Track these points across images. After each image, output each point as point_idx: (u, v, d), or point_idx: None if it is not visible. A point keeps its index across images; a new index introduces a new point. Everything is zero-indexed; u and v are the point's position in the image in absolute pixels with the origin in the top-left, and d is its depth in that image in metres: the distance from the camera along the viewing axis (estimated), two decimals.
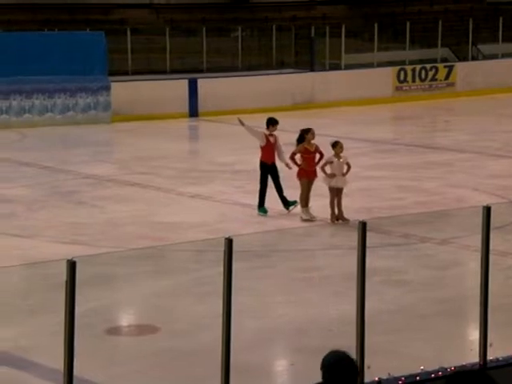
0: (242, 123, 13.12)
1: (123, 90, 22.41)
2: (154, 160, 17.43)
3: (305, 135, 12.63)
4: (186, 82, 23.04)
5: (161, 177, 15.87)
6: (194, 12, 27.51)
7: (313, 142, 12.60)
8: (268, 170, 12.90)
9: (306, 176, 12.42)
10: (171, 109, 22.45)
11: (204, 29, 24.96)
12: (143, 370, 7.52)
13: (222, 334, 4.78)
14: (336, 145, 12.35)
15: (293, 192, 12.65)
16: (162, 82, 23.14)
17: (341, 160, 12.30)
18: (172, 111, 22.47)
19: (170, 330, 8.34)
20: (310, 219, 12.33)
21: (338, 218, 12.09)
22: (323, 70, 25.32)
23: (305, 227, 12.12)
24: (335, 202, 12.15)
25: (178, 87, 22.85)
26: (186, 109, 22.95)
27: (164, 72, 24.27)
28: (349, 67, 25.22)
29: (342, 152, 12.30)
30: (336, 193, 12.18)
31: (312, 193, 12.44)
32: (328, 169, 12.32)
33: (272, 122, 13.10)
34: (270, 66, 25.71)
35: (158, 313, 8.89)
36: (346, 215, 12.10)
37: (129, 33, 24.39)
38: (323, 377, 3.70)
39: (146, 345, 8.03)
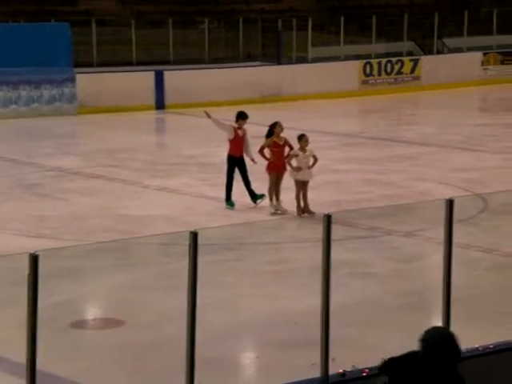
0: (208, 116, 13.09)
1: (89, 82, 22.23)
2: (120, 152, 17.33)
3: (273, 129, 12.66)
4: (153, 73, 22.92)
5: (127, 169, 15.78)
6: (160, 4, 27.37)
7: (282, 135, 12.63)
8: (235, 163, 12.89)
9: (275, 169, 12.44)
10: (137, 101, 22.32)
11: (170, 20, 24.84)
12: (108, 363, 7.49)
13: (186, 326, 4.78)
14: (301, 138, 12.38)
15: (262, 185, 12.66)
16: (128, 73, 23.00)
17: (306, 153, 12.33)
18: (138, 103, 22.34)
19: (135, 323, 8.31)
20: (277, 212, 12.36)
21: (303, 210, 12.13)
22: (290, 62, 25.35)
23: (272, 220, 12.15)
24: (301, 195, 12.20)
25: (144, 79, 22.73)
26: (152, 101, 22.83)
27: (130, 64, 24.13)
28: (316, 60, 25.28)
29: (307, 145, 12.34)
30: (302, 186, 12.22)
31: (281, 186, 12.47)
32: (294, 162, 12.35)
33: (242, 116, 13.09)
34: (237, 58, 25.68)
35: (124, 306, 8.86)
36: (312, 208, 12.14)
37: (94, 24, 24.19)
38: (421, 349, 3.63)
39: (111, 338, 8.00)
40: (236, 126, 13.04)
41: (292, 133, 12.89)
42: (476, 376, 5.49)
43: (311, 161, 12.35)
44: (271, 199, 12.44)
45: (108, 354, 7.68)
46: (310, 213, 12.08)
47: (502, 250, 10.53)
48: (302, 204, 12.16)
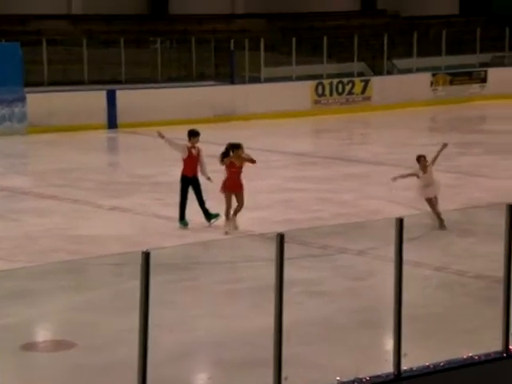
0: (161, 136, 13.05)
1: (39, 102, 22.02)
2: (72, 172, 17.17)
3: (234, 150, 12.56)
4: (105, 93, 22.80)
5: (79, 189, 15.63)
6: (112, 23, 27.30)
7: (244, 155, 12.56)
8: (189, 182, 12.87)
9: (229, 189, 12.44)
10: (89, 120, 22.18)
11: (122, 40, 24.78)
12: None
13: (138, 347, 4.75)
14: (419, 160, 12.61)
15: (217, 205, 12.65)
16: (80, 92, 22.85)
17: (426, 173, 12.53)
18: (90, 122, 22.20)
19: (87, 345, 8.21)
20: (230, 231, 12.35)
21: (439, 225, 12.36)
22: (243, 82, 25.47)
23: (226, 240, 12.14)
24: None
25: (96, 98, 22.60)
26: (104, 120, 22.70)
27: (82, 83, 23.98)
28: (268, 80, 25.45)
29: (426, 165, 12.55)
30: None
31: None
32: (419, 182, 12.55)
33: (193, 134, 13.08)
34: (190, 78, 25.70)
35: (76, 328, 8.74)
36: (265, 227, 12.20)
37: (45, 43, 24.00)
38: None
39: (63, 360, 7.89)
40: (189, 144, 13.03)
41: (248, 152, 12.90)
42: None
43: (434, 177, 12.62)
44: (227, 219, 12.43)
45: (59, 377, 7.56)
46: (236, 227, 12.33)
47: (452, 267, 10.68)
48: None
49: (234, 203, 12.50)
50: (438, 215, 12.55)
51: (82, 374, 7.51)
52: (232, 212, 12.44)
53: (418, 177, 12.76)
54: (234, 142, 12.87)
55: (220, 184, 12.57)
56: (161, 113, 22.72)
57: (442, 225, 12.53)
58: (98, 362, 7.74)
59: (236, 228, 12.41)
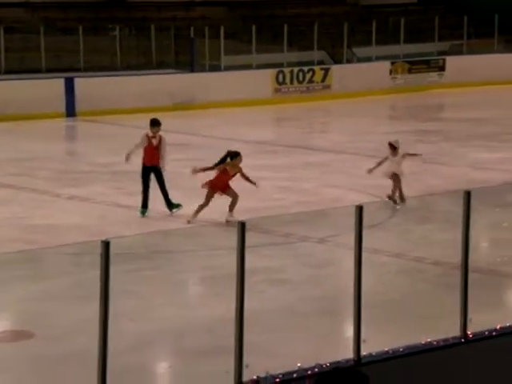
0: (196, 172, 12.43)
1: None
2: (30, 161, 16.96)
3: (232, 158, 12.31)
4: (63, 80, 22.54)
5: (37, 178, 15.46)
6: (69, 10, 26.95)
7: (241, 165, 12.36)
8: (149, 171, 12.78)
9: (212, 187, 12.21)
10: (47, 108, 21.91)
11: (81, 27, 24.49)
12: (18, 376, 7.30)
13: (98, 337, 4.71)
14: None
15: (180, 195, 12.55)
16: (37, 81, 22.55)
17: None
18: (48, 111, 21.92)
19: (45, 335, 8.14)
20: (192, 222, 12.20)
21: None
22: (203, 70, 25.36)
23: (188, 228, 12.10)
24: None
25: (54, 86, 22.33)
26: (62, 108, 22.45)
27: (39, 71, 23.66)
28: (229, 68, 25.38)
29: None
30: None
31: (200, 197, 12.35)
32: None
33: (152, 123, 12.98)
34: (149, 65, 25.52)
35: (34, 318, 8.66)
36: (225, 216, 12.20)
37: (2, 31, 23.63)
38: None
39: (21, 351, 7.81)
40: (150, 133, 12.93)
41: (209, 140, 12.88)
42: (386, 379, 5.60)
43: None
44: (197, 212, 12.13)
45: (18, 367, 7.49)
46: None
47: (411, 254, 10.79)
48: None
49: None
50: (400, 192, 13.17)
51: (41, 364, 7.44)
52: (228, 208, 12.16)
53: (387, 158, 13.45)
54: (233, 149, 12.61)
55: (202, 179, 12.25)
56: (120, 101, 22.54)
57: (402, 199, 13.26)
58: (57, 351, 7.67)
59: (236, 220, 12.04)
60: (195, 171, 12.51)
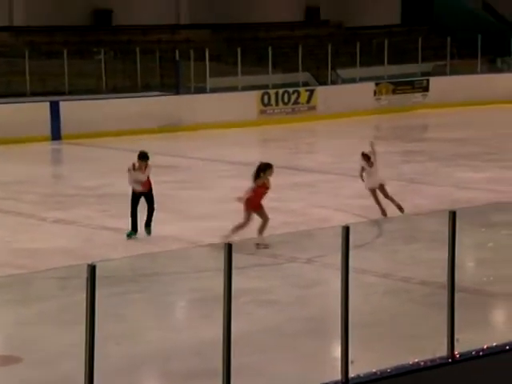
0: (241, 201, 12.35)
1: None
2: (15, 185, 16.90)
3: (267, 169, 12.29)
4: (48, 104, 22.53)
5: (22, 202, 15.40)
6: (55, 34, 26.99)
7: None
8: (138, 197, 12.78)
9: (253, 207, 12.16)
10: (33, 132, 21.88)
11: (66, 51, 24.52)
12: None
13: (84, 361, 4.69)
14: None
15: (169, 217, 12.51)
16: (23, 104, 22.52)
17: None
18: (33, 135, 21.89)
19: (33, 359, 8.08)
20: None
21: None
22: (189, 93, 25.43)
23: (175, 251, 12.07)
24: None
25: (39, 110, 22.31)
26: (48, 132, 22.42)
27: (24, 95, 23.64)
28: (214, 90, 25.46)
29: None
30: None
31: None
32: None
33: (139, 157, 12.95)
34: (135, 88, 25.56)
35: (21, 342, 8.59)
36: (214, 237, 12.19)
37: None
38: None
39: (8, 376, 7.74)
40: (137, 165, 12.90)
41: (195, 162, 12.89)
42: None
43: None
44: (232, 232, 11.86)
45: None
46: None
47: (398, 274, 10.81)
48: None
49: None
50: (392, 201, 13.55)
51: None
52: (257, 231, 12.02)
53: (364, 168, 13.81)
54: (265, 161, 12.54)
55: (238, 197, 12.19)
56: (105, 124, 22.54)
57: (399, 207, 13.55)
58: (45, 376, 7.61)
59: (267, 246, 11.85)
60: (240, 200, 12.36)
